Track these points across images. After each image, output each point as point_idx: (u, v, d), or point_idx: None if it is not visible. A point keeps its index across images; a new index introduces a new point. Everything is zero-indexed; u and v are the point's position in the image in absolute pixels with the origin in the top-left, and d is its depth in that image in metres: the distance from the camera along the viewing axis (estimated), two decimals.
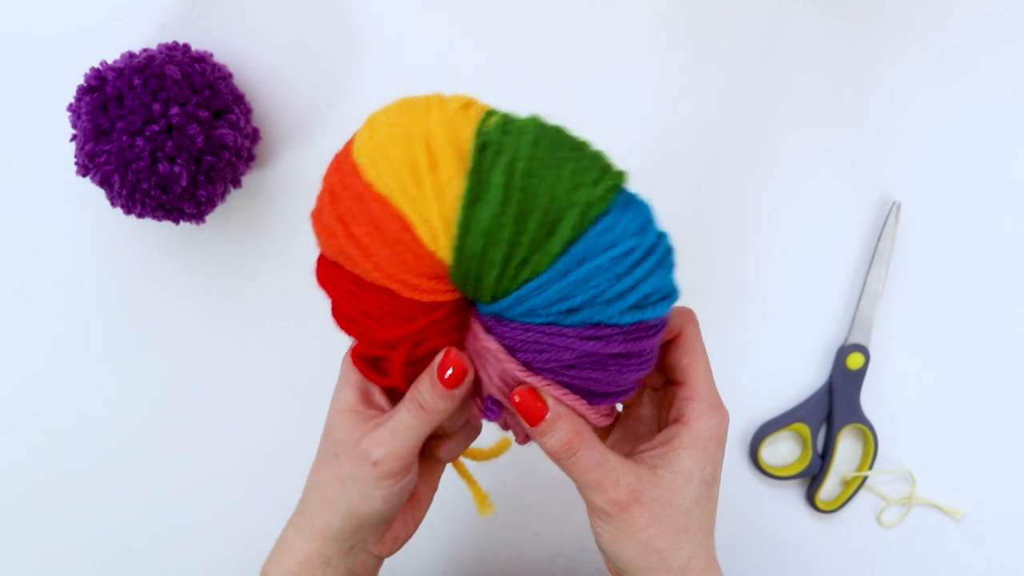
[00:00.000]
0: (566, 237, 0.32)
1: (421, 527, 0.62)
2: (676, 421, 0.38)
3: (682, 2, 0.52)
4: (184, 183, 0.46)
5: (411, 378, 0.37)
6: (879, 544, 0.60)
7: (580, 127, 0.54)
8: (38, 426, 0.58)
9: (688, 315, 0.39)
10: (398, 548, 0.42)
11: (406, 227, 0.33)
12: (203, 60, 0.49)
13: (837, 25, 0.53)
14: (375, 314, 0.35)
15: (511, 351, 0.34)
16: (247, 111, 0.51)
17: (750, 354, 0.58)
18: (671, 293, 0.35)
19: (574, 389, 0.35)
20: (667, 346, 0.39)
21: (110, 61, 0.48)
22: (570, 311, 0.33)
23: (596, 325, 0.33)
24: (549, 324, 0.34)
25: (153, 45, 0.49)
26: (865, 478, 0.58)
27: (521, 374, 0.35)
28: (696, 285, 0.57)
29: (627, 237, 0.33)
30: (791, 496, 0.60)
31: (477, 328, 0.35)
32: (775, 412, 0.58)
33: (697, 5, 0.52)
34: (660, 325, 0.35)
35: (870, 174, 0.55)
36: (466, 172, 0.32)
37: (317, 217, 0.35)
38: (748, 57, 0.53)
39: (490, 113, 0.33)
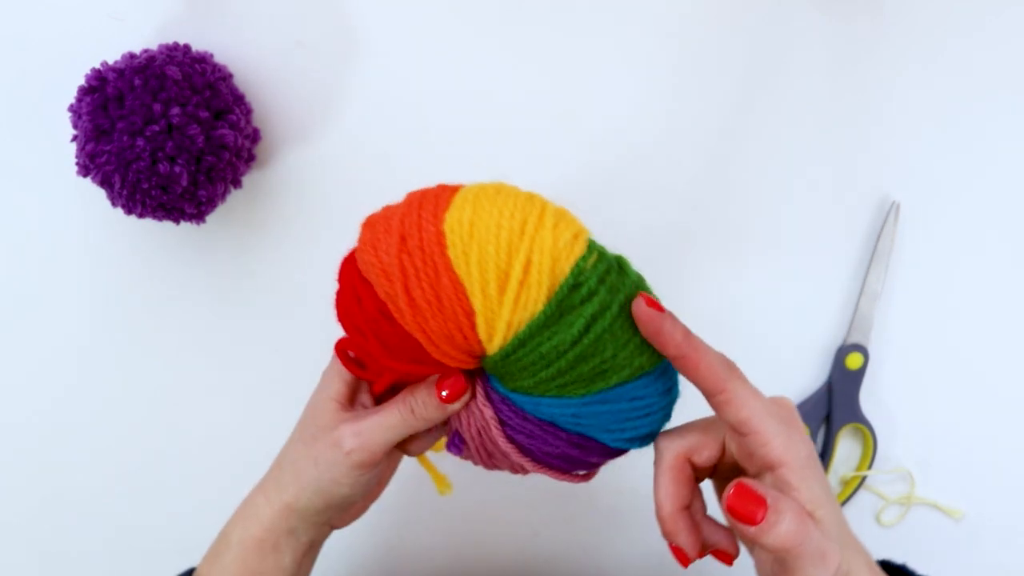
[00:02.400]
0: (608, 386, 0.36)
1: (421, 527, 0.62)
2: (768, 468, 0.36)
3: (682, 2, 0.52)
4: (184, 183, 0.46)
5: (389, 383, 0.40)
6: (878, 544, 0.60)
7: (580, 127, 0.54)
8: (37, 425, 0.58)
9: (730, 368, 0.38)
10: (352, 521, 0.45)
11: (469, 315, 0.35)
12: (203, 60, 0.49)
13: (837, 25, 0.53)
14: (389, 344, 0.37)
15: (501, 423, 0.38)
16: (247, 111, 0.51)
17: (749, 353, 0.58)
18: (656, 431, 0.39)
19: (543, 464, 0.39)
20: (721, 406, 0.37)
21: (111, 62, 0.48)
22: (574, 421, 0.37)
23: (587, 437, 0.37)
24: (549, 423, 0.37)
25: (154, 46, 0.49)
26: (864, 478, 0.58)
27: (503, 444, 0.38)
28: (695, 285, 0.57)
29: (653, 397, 0.37)
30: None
31: (480, 391, 0.38)
32: None
33: (697, 5, 0.52)
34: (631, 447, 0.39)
35: (870, 174, 0.55)
36: (548, 300, 0.34)
37: (373, 243, 0.36)
38: (748, 57, 0.53)
39: (590, 250, 0.35)
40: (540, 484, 0.60)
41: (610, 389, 0.36)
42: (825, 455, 0.58)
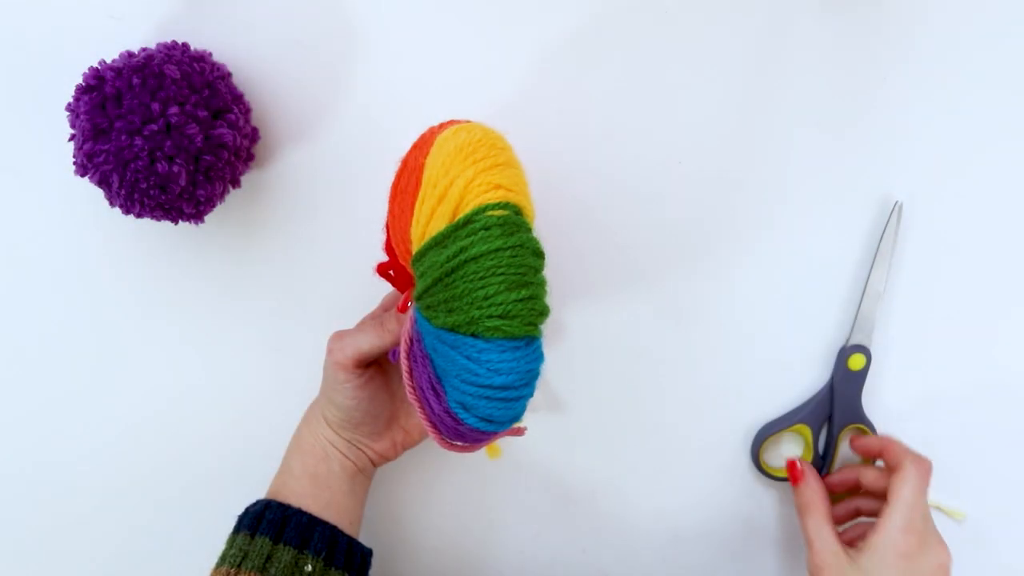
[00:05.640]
0: (457, 326, 0.40)
1: (422, 527, 0.62)
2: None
3: (681, 1, 0.52)
4: (183, 183, 0.46)
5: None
6: None
7: (579, 125, 0.54)
8: (36, 425, 0.58)
9: (919, 462, 0.50)
10: (386, 461, 0.53)
11: (411, 215, 0.42)
12: (202, 59, 0.49)
13: (837, 23, 0.53)
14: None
15: (410, 342, 0.43)
16: (246, 110, 0.51)
17: (751, 355, 0.57)
18: (490, 421, 0.41)
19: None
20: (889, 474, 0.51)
21: (109, 60, 0.47)
22: (433, 353, 0.42)
23: (440, 384, 0.42)
24: (427, 354, 0.42)
25: (152, 44, 0.49)
26: None
27: (403, 360, 0.43)
28: (696, 285, 0.56)
29: (487, 371, 0.40)
30: (792, 498, 0.59)
31: (411, 314, 0.44)
32: (776, 413, 0.58)
33: (697, 4, 0.52)
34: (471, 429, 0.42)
35: (872, 173, 0.55)
36: (449, 223, 0.40)
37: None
38: (748, 56, 0.53)
39: (505, 209, 0.40)
40: (540, 485, 0.60)
41: (460, 334, 0.40)
42: (827, 457, 0.58)
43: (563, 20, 0.52)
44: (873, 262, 0.55)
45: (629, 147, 0.54)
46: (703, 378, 0.58)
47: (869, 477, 0.54)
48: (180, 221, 0.49)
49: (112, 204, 0.48)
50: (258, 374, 0.57)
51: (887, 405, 0.58)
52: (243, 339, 0.57)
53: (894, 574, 0.47)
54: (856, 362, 0.56)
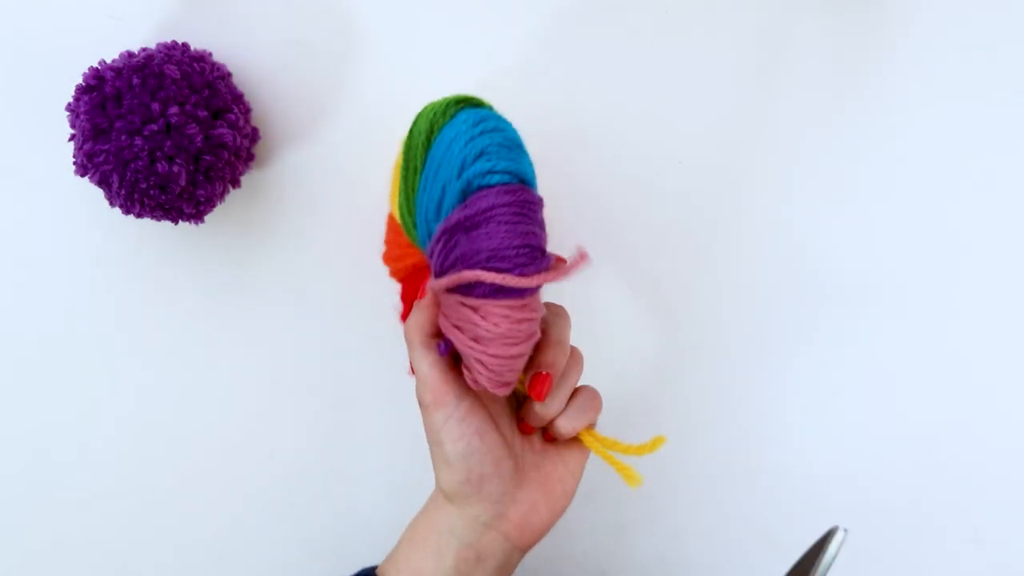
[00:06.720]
0: (423, 146, 0.41)
1: None
2: None
3: (681, 1, 0.52)
4: (183, 183, 0.46)
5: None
6: (883, 549, 0.60)
7: (578, 126, 0.54)
8: (36, 427, 0.57)
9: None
10: (534, 535, 0.43)
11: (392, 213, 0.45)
12: (202, 59, 0.49)
13: (837, 24, 0.53)
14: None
15: (437, 269, 0.41)
16: (246, 110, 0.51)
17: (748, 355, 0.57)
18: (498, 166, 0.40)
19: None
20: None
21: (109, 60, 0.47)
22: (441, 203, 0.40)
23: (469, 191, 0.40)
24: (446, 215, 0.40)
25: (152, 44, 0.49)
26: None
27: (445, 280, 0.40)
28: (696, 285, 0.56)
29: (459, 124, 0.40)
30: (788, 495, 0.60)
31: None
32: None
33: (696, 3, 0.52)
34: (493, 190, 0.39)
35: (871, 174, 0.55)
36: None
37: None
38: (748, 56, 0.53)
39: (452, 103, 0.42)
40: None
41: (429, 149, 0.41)
42: None
43: (563, 20, 0.52)
44: None
45: (628, 147, 0.54)
46: (701, 378, 0.58)
47: None
48: (180, 221, 0.49)
49: (112, 204, 0.48)
50: (258, 374, 0.57)
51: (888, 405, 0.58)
52: (242, 339, 0.57)
53: None
54: None
